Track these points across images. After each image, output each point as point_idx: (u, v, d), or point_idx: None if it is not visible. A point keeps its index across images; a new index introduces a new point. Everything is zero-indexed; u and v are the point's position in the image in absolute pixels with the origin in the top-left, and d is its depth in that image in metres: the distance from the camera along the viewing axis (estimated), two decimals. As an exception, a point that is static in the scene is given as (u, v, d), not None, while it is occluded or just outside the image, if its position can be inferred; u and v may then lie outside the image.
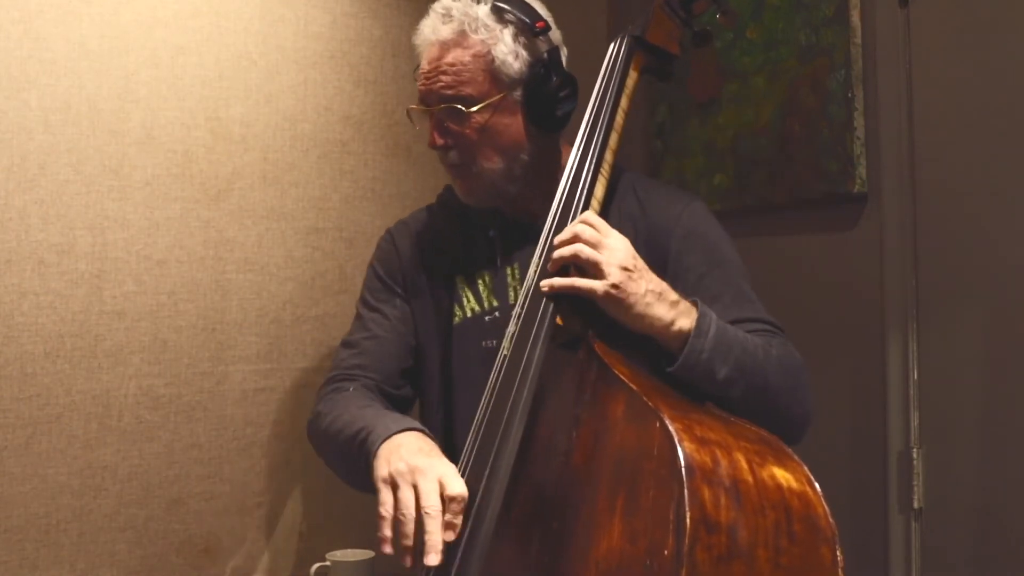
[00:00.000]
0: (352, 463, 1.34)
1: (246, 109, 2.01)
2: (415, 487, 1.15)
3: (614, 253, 1.22)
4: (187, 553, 1.93)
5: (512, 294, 1.50)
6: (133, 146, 1.88)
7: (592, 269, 1.22)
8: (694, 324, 1.23)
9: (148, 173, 1.89)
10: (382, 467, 1.21)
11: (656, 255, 1.41)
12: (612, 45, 1.46)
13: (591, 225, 1.25)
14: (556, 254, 1.25)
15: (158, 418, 1.90)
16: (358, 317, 1.63)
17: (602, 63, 1.45)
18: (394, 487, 1.17)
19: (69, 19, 1.81)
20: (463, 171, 1.50)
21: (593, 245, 1.23)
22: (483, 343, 1.49)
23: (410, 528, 1.13)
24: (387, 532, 1.16)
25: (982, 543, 1.70)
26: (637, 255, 1.25)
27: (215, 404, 1.97)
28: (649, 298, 1.22)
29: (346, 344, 1.62)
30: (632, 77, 1.44)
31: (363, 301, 1.64)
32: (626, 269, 1.21)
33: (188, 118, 1.94)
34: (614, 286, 1.20)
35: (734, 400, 1.24)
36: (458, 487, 1.15)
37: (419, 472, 1.16)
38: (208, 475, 1.96)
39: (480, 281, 1.55)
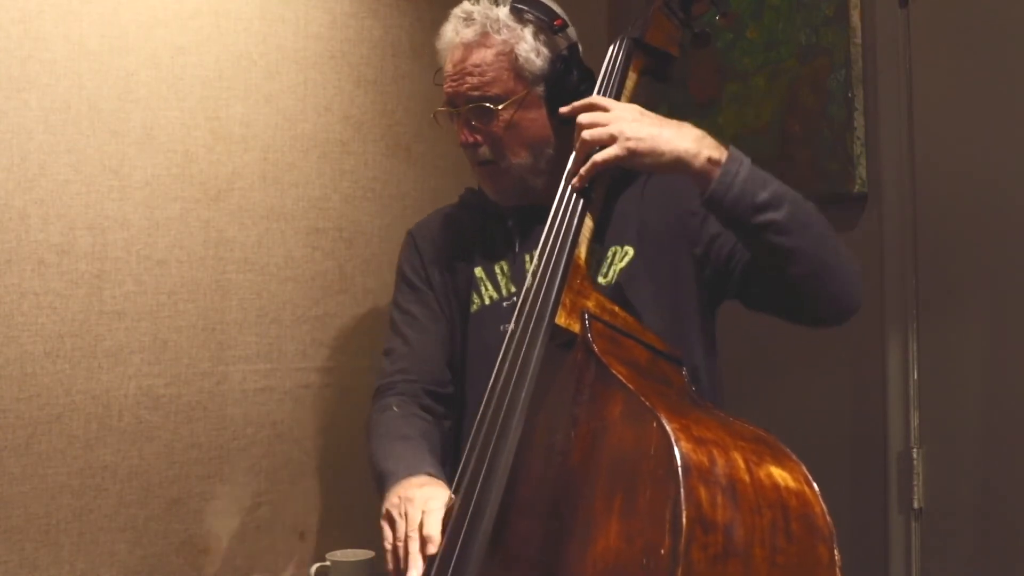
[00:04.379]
0: (378, 493, 1.41)
1: (246, 109, 2.01)
2: (405, 515, 1.23)
3: (619, 114, 1.29)
4: (187, 553, 1.93)
5: None
6: (133, 146, 1.88)
7: (605, 140, 1.28)
8: (726, 154, 1.27)
9: (148, 173, 1.89)
10: (383, 507, 1.31)
11: (682, 227, 1.48)
12: (611, 47, 1.47)
13: (593, 106, 1.33)
14: (574, 152, 1.32)
15: (158, 418, 1.90)
16: (392, 324, 1.67)
17: (601, 65, 1.46)
18: (390, 521, 1.26)
19: (69, 19, 1.81)
20: (493, 168, 1.54)
21: (595, 123, 1.29)
22: (501, 327, 1.49)
23: (400, 553, 1.22)
24: (391, 564, 1.24)
25: (982, 543, 1.70)
26: (644, 110, 1.31)
27: (215, 404, 1.97)
28: (669, 134, 1.26)
29: (386, 353, 1.66)
30: (631, 79, 1.44)
31: (395, 306, 1.68)
32: (634, 121, 1.27)
33: (188, 118, 1.94)
34: (628, 139, 1.25)
35: (777, 232, 1.26)
36: (431, 505, 1.22)
37: (407, 501, 1.25)
38: (208, 475, 1.96)
39: (498, 269, 1.57)
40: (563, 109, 1.37)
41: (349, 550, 1.83)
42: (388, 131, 2.21)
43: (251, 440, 2.01)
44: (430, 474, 1.35)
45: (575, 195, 1.32)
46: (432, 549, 1.17)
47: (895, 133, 1.83)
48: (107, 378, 1.84)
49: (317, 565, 1.85)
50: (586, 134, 1.29)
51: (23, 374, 1.76)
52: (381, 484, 1.39)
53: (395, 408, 1.55)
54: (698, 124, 2.24)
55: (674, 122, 1.29)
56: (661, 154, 1.25)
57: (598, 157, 1.27)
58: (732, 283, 1.45)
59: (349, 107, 2.15)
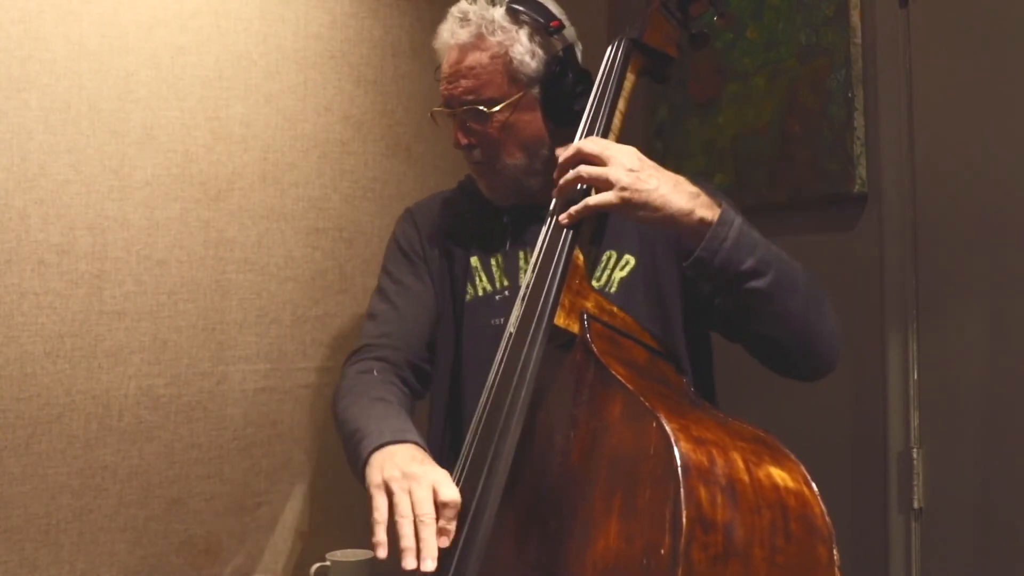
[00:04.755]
0: (349, 456, 1.35)
1: (246, 109, 2.02)
2: (410, 493, 1.15)
3: (617, 159, 1.24)
4: (187, 553, 1.93)
5: (522, 276, 1.52)
6: (133, 146, 1.88)
7: (601, 183, 1.24)
8: (717, 215, 1.23)
9: (148, 173, 1.90)
10: (375, 475, 1.21)
11: (676, 241, 1.47)
12: (609, 48, 1.46)
13: (591, 143, 1.28)
14: (562, 180, 1.28)
15: (158, 418, 1.90)
16: (380, 291, 1.65)
17: (600, 65, 1.46)
18: (389, 493, 1.17)
19: (69, 19, 1.81)
20: (487, 168, 1.55)
21: (594, 158, 1.25)
22: (492, 321, 1.52)
23: (408, 529, 1.13)
24: (382, 536, 1.15)
25: (982, 543, 1.69)
26: (643, 156, 1.26)
27: (215, 404, 1.97)
28: (664, 189, 1.22)
29: (371, 316, 1.64)
30: (630, 80, 1.44)
31: (386, 273, 1.67)
32: (632, 170, 1.23)
33: (188, 118, 1.94)
34: (623, 189, 1.21)
35: (759, 299, 1.24)
36: (451, 493, 1.15)
37: (413, 479, 1.17)
38: (208, 475, 1.96)
39: (493, 261, 1.58)
40: (560, 156, 1.31)
41: (349, 550, 1.83)
42: (388, 131, 2.21)
43: (251, 440, 2.02)
44: (417, 444, 1.29)
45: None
46: (445, 543, 1.12)
47: (895, 133, 1.83)
48: (107, 378, 1.84)
49: (317, 565, 1.85)
50: (583, 170, 1.25)
51: (23, 374, 1.76)
52: (356, 441, 1.32)
53: (375, 372, 1.52)
54: (698, 124, 2.26)
55: (670, 175, 1.26)
56: (655, 210, 1.22)
57: (591, 201, 1.24)
58: (712, 318, 1.45)
59: (349, 107, 2.16)
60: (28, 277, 1.76)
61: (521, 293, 1.27)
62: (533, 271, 1.27)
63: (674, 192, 1.23)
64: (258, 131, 2.03)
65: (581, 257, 1.27)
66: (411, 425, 1.37)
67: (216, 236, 1.97)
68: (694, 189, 1.25)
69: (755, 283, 1.24)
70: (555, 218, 1.29)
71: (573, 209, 1.26)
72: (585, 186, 1.28)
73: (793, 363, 1.36)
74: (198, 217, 1.95)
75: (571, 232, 1.27)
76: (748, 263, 1.23)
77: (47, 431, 1.78)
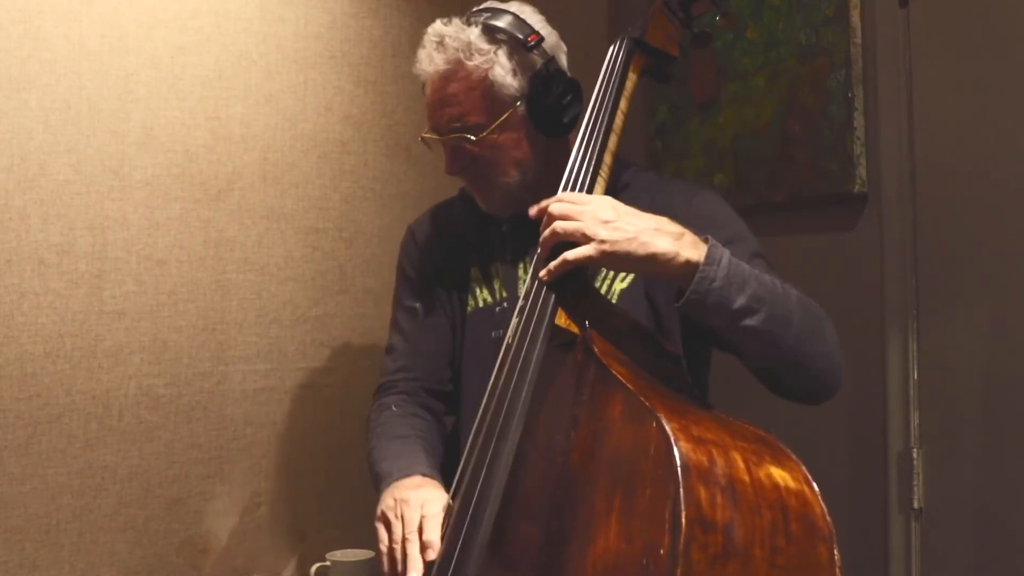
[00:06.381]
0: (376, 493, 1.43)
1: (246, 109, 2.02)
2: (402, 518, 1.24)
3: (591, 212, 1.21)
4: (187, 553, 1.93)
5: (521, 287, 1.52)
6: (133, 146, 1.88)
7: (577, 238, 1.20)
8: (704, 255, 1.19)
9: (148, 173, 1.90)
10: (378, 508, 1.32)
11: None
12: (611, 47, 1.46)
13: (562, 200, 1.25)
14: (541, 240, 1.25)
15: (158, 418, 1.90)
16: (393, 321, 1.68)
17: (601, 65, 1.45)
18: (385, 523, 1.28)
19: (69, 19, 1.81)
20: (480, 184, 1.54)
21: (567, 216, 1.22)
22: (492, 333, 1.51)
23: (399, 554, 1.23)
24: (387, 567, 1.26)
25: (982, 543, 1.69)
26: (619, 204, 1.23)
27: (215, 404, 1.97)
28: (645, 236, 1.18)
29: (388, 351, 1.67)
30: (631, 79, 1.43)
31: (397, 303, 1.68)
32: (607, 221, 1.19)
33: (188, 118, 1.94)
34: (602, 241, 1.18)
35: (753, 335, 1.22)
36: (429, 509, 1.23)
37: (403, 503, 1.26)
38: (208, 475, 1.96)
39: (493, 272, 1.57)
40: (531, 212, 1.28)
41: (349, 550, 1.83)
42: (388, 131, 2.21)
43: (251, 440, 2.02)
44: (424, 474, 1.36)
45: None
46: (432, 555, 1.18)
47: (895, 133, 1.83)
48: (107, 378, 1.84)
49: (317, 565, 1.85)
50: (557, 226, 1.21)
51: (23, 374, 1.76)
52: (376, 485, 1.41)
53: (394, 408, 1.56)
54: (698, 124, 2.26)
55: (651, 218, 1.21)
56: (638, 258, 1.19)
57: (569, 255, 1.20)
58: (709, 339, 1.41)
59: (349, 107, 2.16)
60: (28, 277, 1.76)
61: (523, 294, 1.27)
62: (534, 272, 1.26)
63: (656, 236, 1.19)
64: (258, 131, 2.03)
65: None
66: (422, 455, 1.44)
67: (216, 236, 1.97)
68: (678, 229, 1.21)
69: (749, 321, 1.21)
70: (538, 272, 1.25)
71: (552, 265, 1.22)
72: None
73: (790, 389, 1.33)
74: (198, 217, 1.95)
75: (554, 288, 1.24)
76: (740, 301, 1.20)
77: (47, 431, 1.78)
